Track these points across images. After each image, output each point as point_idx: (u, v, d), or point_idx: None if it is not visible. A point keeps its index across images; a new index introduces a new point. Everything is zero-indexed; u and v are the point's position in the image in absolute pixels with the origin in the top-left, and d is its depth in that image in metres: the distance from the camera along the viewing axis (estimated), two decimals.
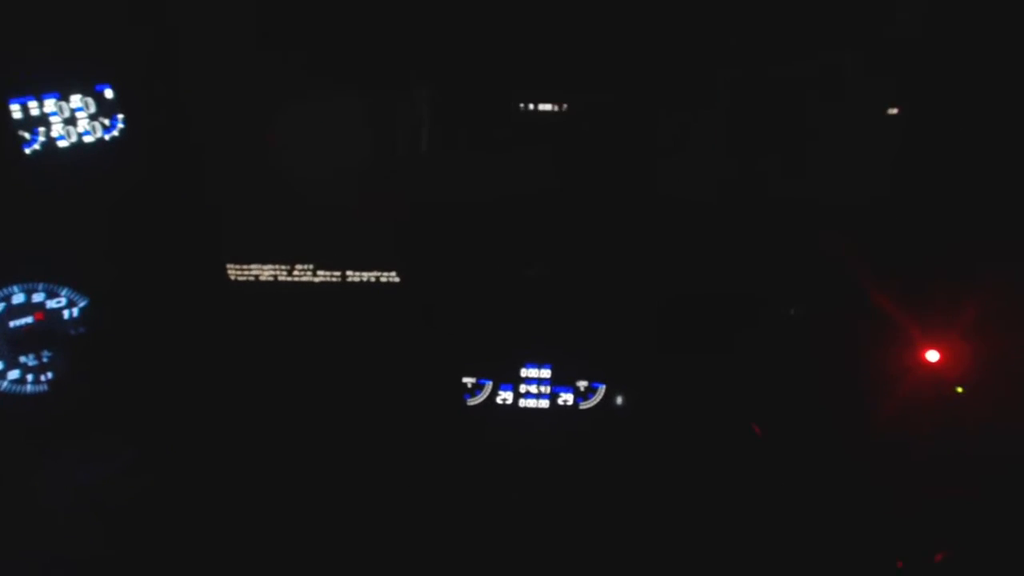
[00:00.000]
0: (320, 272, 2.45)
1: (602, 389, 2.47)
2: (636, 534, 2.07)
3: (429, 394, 2.45)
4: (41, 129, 2.14)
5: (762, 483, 2.20)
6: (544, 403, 2.49)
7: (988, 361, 2.30)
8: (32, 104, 2.11)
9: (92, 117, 2.23)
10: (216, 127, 2.34)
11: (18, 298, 2.23)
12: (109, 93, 2.24)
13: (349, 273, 2.45)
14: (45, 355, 2.28)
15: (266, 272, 2.44)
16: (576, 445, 2.44)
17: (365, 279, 2.46)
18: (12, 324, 2.22)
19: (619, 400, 2.46)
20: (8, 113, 2.08)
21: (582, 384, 2.47)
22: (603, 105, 2.44)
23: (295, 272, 2.45)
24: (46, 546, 1.97)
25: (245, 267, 2.43)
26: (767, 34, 2.33)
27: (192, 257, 2.40)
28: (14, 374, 2.25)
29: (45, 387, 2.29)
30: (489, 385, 2.48)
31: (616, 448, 2.40)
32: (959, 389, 2.37)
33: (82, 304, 2.33)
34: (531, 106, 2.45)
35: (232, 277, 2.43)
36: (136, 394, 2.31)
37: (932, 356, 2.35)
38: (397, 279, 2.47)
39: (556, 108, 2.46)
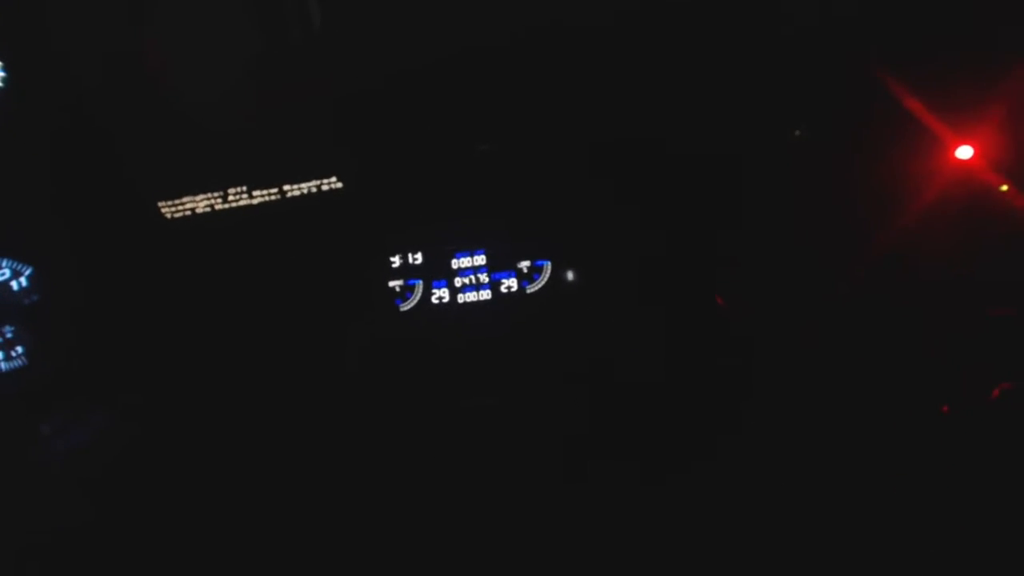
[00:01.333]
0: (256, 192, 2.22)
1: (548, 266, 2.11)
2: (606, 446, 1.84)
3: (359, 308, 2.22)
4: None
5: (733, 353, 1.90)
6: (485, 294, 2.15)
7: None
8: None
9: None
10: (95, 54, 2.07)
11: None
12: None
13: (287, 187, 2.21)
14: (8, 330, 2.23)
15: (200, 203, 2.23)
16: (528, 335, 2.10)
17: (298, 193, 2.20)
18: None
19: (569, 276, 2.13)
20: None
21: (524, 265, 2.12)
22: None
23: (230, 197, 2.23)
24: (40, 513, 1.99)
25: (177, 202, 2.23)
26: None
27: (120, 202, 2.22)
28: None
29: (20, 361, 2.26)
30: (419, 285, 2.17)
31: (574, 333, 2.07)
32: (1003, 187, 1.92)
33: (27, 272, 2.24)
34: None
35: (167, 215, 2.24)
36: (105, 353, 2.24)
37: (964, 152, 1.90)
38: (340, 184, 2.21)
39: None
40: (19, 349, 2.25)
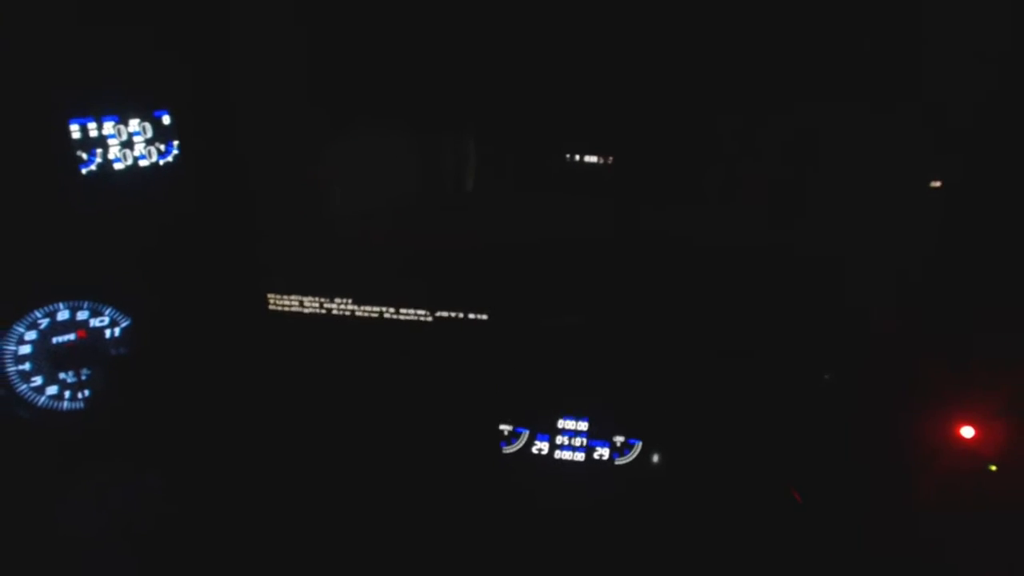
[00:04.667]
0: (360, 307, 2.34)
1: (638, 445, 2.32)
2: None
3: (466, 439, 2.33)
4: (99, 151, 2.08)
5: (796, 551, 2.05)
6: (580, 456, 2.31)
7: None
8: (91, 125, 2.05)
9: (148, 142, 2.16)
10: (266, 159, 2.25)
11: (63, 315, 2.14)
12: (166, 119, 2.17)
13: (386, 310, 2.35)
14: (84, 373, 2.18)
15: (306, 303, 2.33)
16: (610, 500, 2.26)
17: (402, 317, 2.35)
18: (55, 340, 2.14)
19: (656, 458, 2.33)
20: (68, 133, 2.02)
21: (619, 439, 2.31)
22: (644, 157, 2.35)
23: (334, 305, 2.34)
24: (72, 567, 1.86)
25: (286, 297, 2.33)
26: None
27: (234, 285, 2.31)
28: (52, 390, 2.15)
29: (81, 404, 2.20)
30: (526, 434, 2.33)
31: (651, 506, 2.24)
32: (992, 467, 2.22)
33: (124, 324, 2.24)
34: (576, 157, 2.37)
35: (273, 306, 2.33)
36: (170, 418, 2.20)
37: (967, 432, 2.21)
38: (431, 319, 2.36)
39: (600, 160, 2.37)
40: (85, 393, 2.19)
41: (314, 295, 2.33)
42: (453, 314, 2.35)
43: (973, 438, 2.16)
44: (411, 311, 2.35)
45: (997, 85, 2.07)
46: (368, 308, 2.34)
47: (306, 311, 2.33)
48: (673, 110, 2.27)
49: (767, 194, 2.27)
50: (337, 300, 2.33)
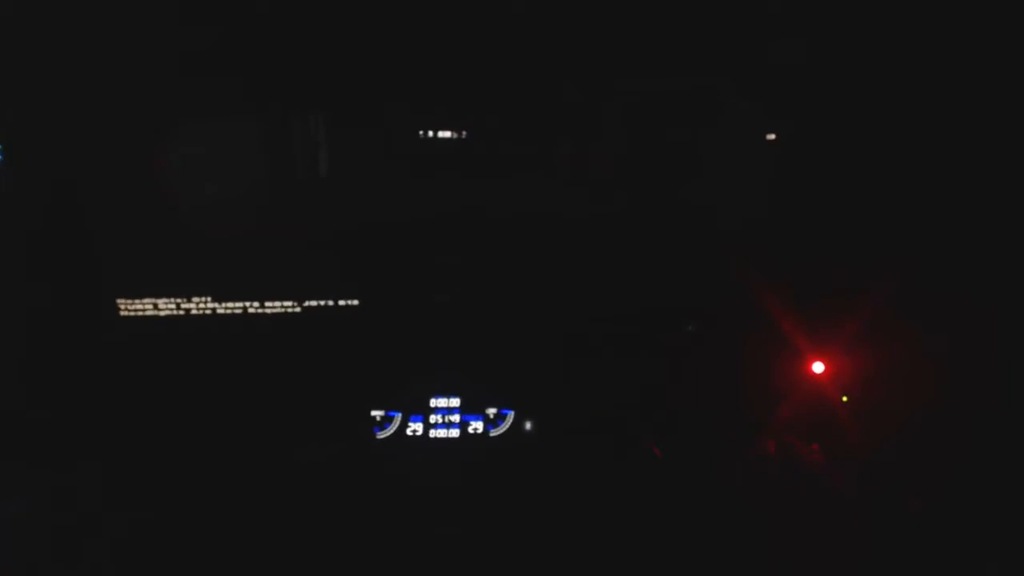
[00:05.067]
0: (221, 304, 2.25)
1: (511, 415, 2.36)
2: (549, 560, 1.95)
3: (337, 429, 2.29)
4: None
5: (663, 501, 2.12)
6: (455, 432, 2.35)
7: (870, 371, 2.32)
8: None
9: None
10: (100, 154, 2.10)
11: None
12: None
13: (249, 304, 2.26)
14: None
15: (161, 305, 2.22)
16: (489, 472, 2.29)
17: (267, 310, 2.27)
18: None
19: (528, 426, 2.36)
20: None
21: (491, 411, 2.35)
22: (501, 128, 2.36)
23: (192, 305, 2.23)
24: None
25: (137, 301, 2.20)
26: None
27: (78, 292, 2.16)
28: None
29: None
30: (399, 417, 2.32)
31: (528, 474, 2.26)
32: (844, 398, 2.36)
33: None
34: (430, 133, 2.34)
35: (124, 312, 2.20)
36: (38, 435, 2.07)
37: (818, 367, 2.35)
38: (299, 309, 2.30)
39: (455, 135, 2.36)
40: None
41: (168, 295, 2.21)
42: (323, 303, 2.30)
43: (824, 373, 2.29)
44: (277, 303, 2.28)
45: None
46: (230, 304, 2.25)
47: (162, 313, 2.22)
48: (523, 81, 2.28)
49: (613, 163, 2.32)
50: (195, 299, 2.23)
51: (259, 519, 2.02)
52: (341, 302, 2.32)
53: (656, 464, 2.24)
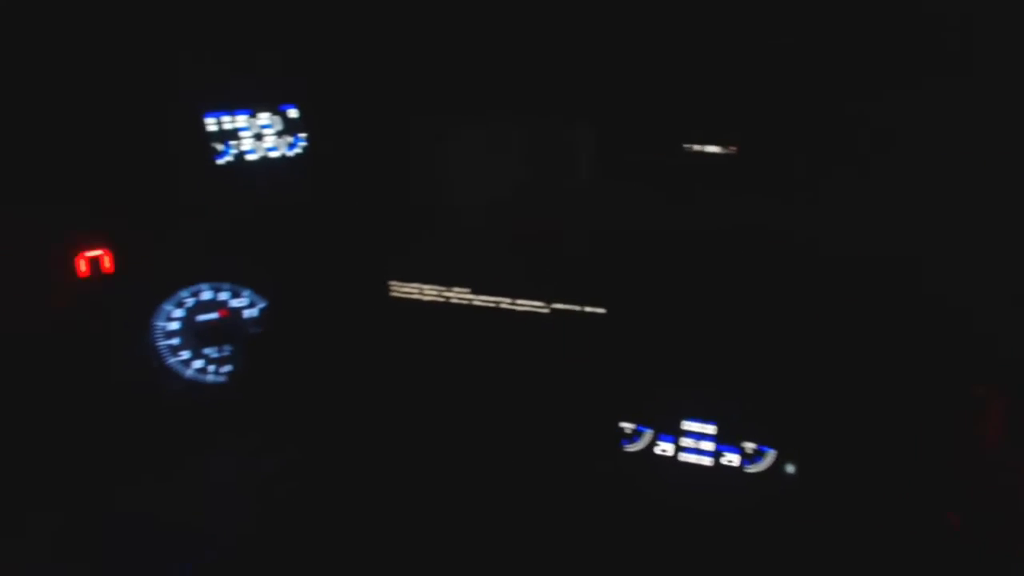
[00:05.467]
0: (478, 297, 2.28)
1: (771, 454, 2.10)
2: None
3: (584, 434, 2.23)
4: (232, 143, 2.15)
5: None
6: (707, 460, 2.13)
7: None
8: (226, 119, 2.13)
9: (278, 134, 2.21)
10: (389, 150, 2.23)
11: (206, 295, 2.29)
12: (294, 113, 2.20)
13: (503, 300, 2.27)
14: (226, 349, 2.34)
15: (426, 291, 2.32)
16: (737, 509, 2.05)
17: (517, 307, 2.26)
18: (199, 319, 2.29)
19: (790, 469, 2.07)
20: (203, 126, 2.11)
21: (750, 446, 2.11)
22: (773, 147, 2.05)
23: (453, 294, 2.30)
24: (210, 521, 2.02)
25: (407, 284, 2.32)
26: None
27: (358, 271, 2.34)
28: (198, 364, 2.33)
29: (224, 379, 2.36)
30: (649, 434, 2.21)
31: (781, 520, 2.00)
32: None
33: (261, 305, 2.36)
34: (696, 146, 2.12)
35: (394, 293, 2.34)
36: (298, 395, 2.31)
37: None
38: (547, 310, 2.25)
39: (723, 151, 2.10)
40: (226, 368, 2.36)
41: (434, 283, 2.30)
42: (570, 307, 2.23)
43: None
44: (528, 302, 2.25)
45: None
46: (485, 298, 2.28)
47: (425, 299, 2.32)
48: (805, 98, 1.95)
49: (902, 197, 1.89)
50: (456, 289, 2.29)
51: (496, 513, 2.05)
52: (588, 309, 2.23)
53: (950, 537, 1.83)
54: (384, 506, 2.11)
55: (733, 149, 2.06)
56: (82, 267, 2.15)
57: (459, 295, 2.29)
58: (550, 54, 2.04)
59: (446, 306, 2.31)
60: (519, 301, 2.26)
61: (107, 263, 2.16)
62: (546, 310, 2.26)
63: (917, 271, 1.95)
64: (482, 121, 2.15)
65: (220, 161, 2.16)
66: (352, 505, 2.12)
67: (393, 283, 2.33)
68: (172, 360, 2.29)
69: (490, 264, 2.25)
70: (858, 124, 1.95)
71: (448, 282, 2.29)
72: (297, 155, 2.24)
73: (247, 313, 2.35)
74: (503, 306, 2.27)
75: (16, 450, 2.03)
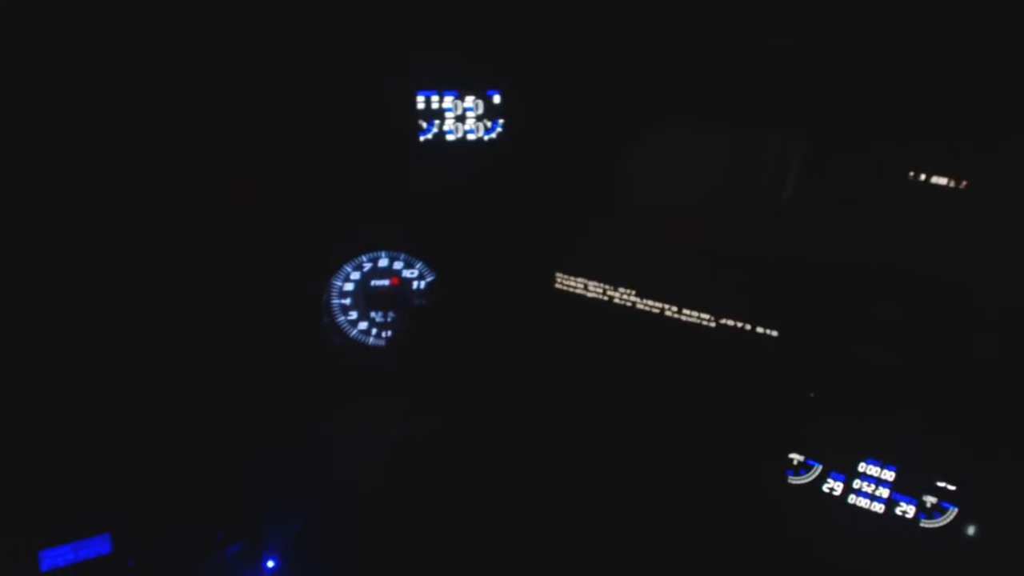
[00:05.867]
0: (643, 300, 2.23)
1: (953, 511, 1.82)
2: None
3: (749, 459, 2.07)
4: (436, 122, 2.31)
5: None
6: (878, 507, 1.90)
7: None
8: (434, 99, 2.29)
9: (478, 118, 2.35)
10: (579, 145, 2.30)
11: (383, 262, 2.41)
12: (497, 99, 2.34)
13: (667, 307, 2.20)
14: (391, 316, 2.42)
15: (591, 288, 2.30)
16: (906, 565, 1.82)
17: (682, 317, 2.18)
18: (373, 283, 2.40)
19: (971, 531, 1.78)
20: (414, 103, 2.28)
21: (930, 499, 1.87)
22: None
23: (617, 294, 2.26)
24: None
25: (572, 278, 2.32)
26: None
27: (528, 259, 2.37)
28: (363, 325, 2.42)
29: (382, 343, 2.43)
30: (818, 468, 2.01)
31: None
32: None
33: (429, 279, 2.44)
34: (921, 176, 1.99)
35: (559, 285, 2.34)
36: (448, 369, 2.32)
37: None
38: (713, 324, 2.15)
39: (953, 184, 1.95)
40: (387, 333, 2.43)
41: (599, 280, 2.28)
42: (739, 324, 2.12)
43: None
44: (694, 313, 2.17)
45: None
46: (650, 302, 2.22)
47: (589, 295, 2.30)
48: None
49: None
50: (621, 289, 2.26)
51: (637, 528, 1.91)
52: (759, 329, 2.11)
53: None
54: (504, 496, 2.04)
55: (963, 184, 1.92)
56: None
57: (623, 296, 2.26)
58: (767, 60, 2.04)
59: (608, 305, 2.27)
60: (685, 311, 2.19)
61: None
62: (712, 324, 2.16)
63: None
64: (684, 120, 2.17)
65: (422, 138, 2.32)
66: (473, 483, 2.06)
67: (559, 275, 2.33)
68: (341, 318, 2.39)
69: (662, 268, 2.21)
70: None
71: (614, 281, 2.26)
72: (492, 140, 2.36)
73: (416, 285, 2.43)
74: (668, 313, 2.21)
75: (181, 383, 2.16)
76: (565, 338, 2.32)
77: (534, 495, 2.04)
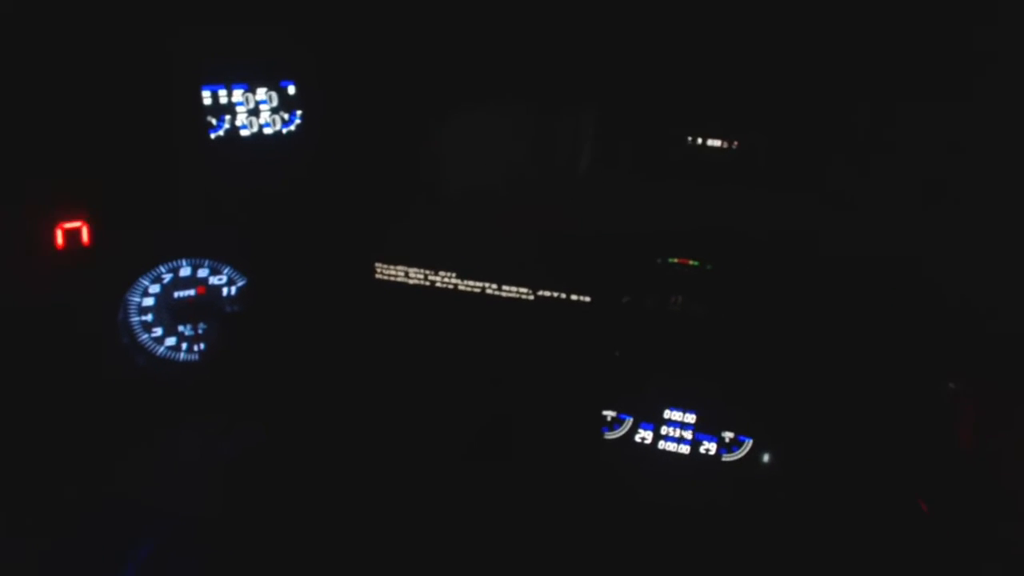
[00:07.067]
0: (463, 282, 2.27)
1: (748, 443, 2.08)
2: None
3: (566, 421, 2.18)
4: (227, 117, 2.15)
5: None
6: (685, 448, 2.11)
7: None
8: (222, 93, 2.13)
9: (273, 111, 2.22)
10: (382, 131, 2.26)
11: (185, 271, 2.23)
12: (292, 90, 2.23)
13: (488, 286, 2.26)
14: (201, 327, 2.25)
15: (411, 275, 2.29)
16: (713, 497, 2.04)
17: (503, 294, 2.25)
18: (176, 295, 2.22)
19: (766, 458, 2.05)
20: (200, 98, 2.11)
21: (728, 435, 2.09)
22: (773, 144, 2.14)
23: (438, 278, 2.28)
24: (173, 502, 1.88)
25: (392, 267, 2.30)
26: None
27: (343, 252, 2.31)
28: (171, 341, 2.23)
29: (196, 357, 2.26)
30: (629, 421, 2.16)
31: (755, 507, 1.98)
32: None
33: (240, 284, 2.30)
34: (699, 140, 2.19)
35: (379, 275, 2.31)
36: (272, 375, 2.22)
37: None
38: (532, 297, 2.25)
39: (725, 145, 2.18)
40: (200, 346, 2.26)
41: (419, 267, 2.28)
42: (555, 294, 2.23)
43: None
44: (513, 288, 2.25)
45: None
46: (471, 283, 2.26)
47: (411, 282, 2.30)
48: (811, 94, 2.05)
49: (894, 192, 1.99)
50: (441, 273, 2.28)
51: (471, 499, 1.96)
52: (574, 297, 2.23)
53: (921, 521, 1.82)
54: (348, 496, 2.01)
55: (735, 144, 2.13)
56: (59, 239, 2.07)
57: (444, 279, 2.28)
58: (558, 36, 2.11)
59: (431, 290, 2.29)
60: (505, 287, 2.25)
61: (85, 236, 2.10)
62: (531, 297, 2.25)
63: (905, 266, 2.01)
64: (482, 103, 2.20)
65: (213, 135, 2.15)
66: (315, 494, 2.01)
67: (379, 265, 2.30)
68: (144, 336, 2.19)
69: (478, 249, 2.25)
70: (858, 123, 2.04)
71: (434, 266, 2.27)
72: (290, 132, 2.24)
73: (225, 291, 2.28)
74: (488, 291, 2.26)
75: None
76: (391, 326, 2.30)
77: (377, 489, 2.02)
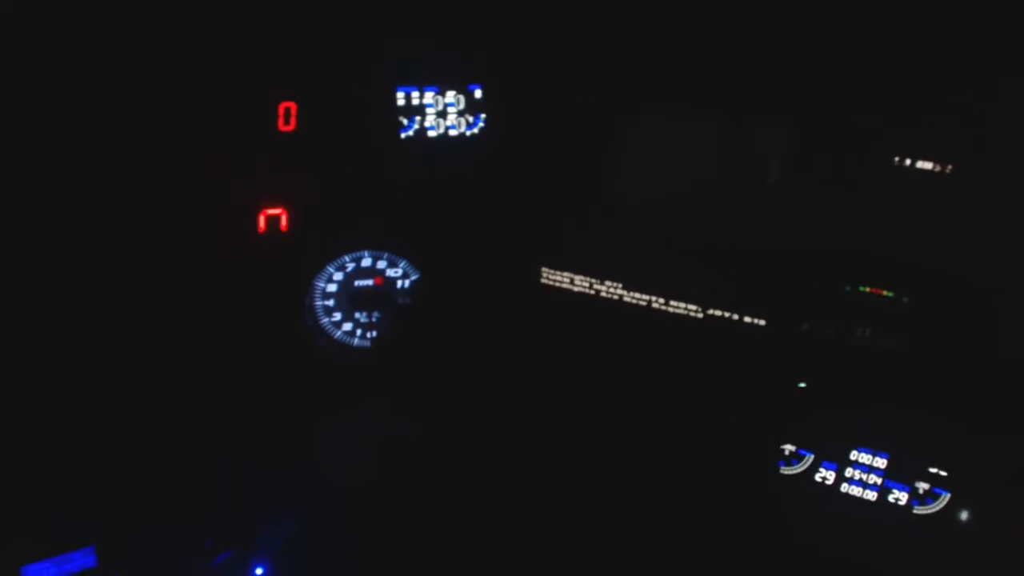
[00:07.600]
0: (629, 293, 2.20)
1: (946, 497, 1.81)
2: None
3: (741, 451, 2.05)
4: (417, 118, 2.26)
5: None
6: (871, 495, 1.91)
7: None
8: (414, 94, 2.24)
9: (460, 113, 2.30)
10: (563, 139, 2.27)
11: (366, 262, 2.35)
12: (479, 93, 2.29)
13: (655, 299, 2.17)
14: (375, 316, 2.37)
15: (577, 282, 2.27)
16: (900, 551, 1.81)
17: (670, 309, 2.15)
18: (356, 283, 2.35)
19: (964, 516, 1.78)
20: (394, 99, 2.23)
21: (922, 486, 1.86)
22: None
23: (603, 288, 2.23)
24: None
25: (558, 273, 2.29)
26: None
27: (512, 256, 2.33)
28: (347, 327, 2.36)
29: (367, 343, 2.38)
30: (810, 458, 2.00)
31: (949, 568, 1.72)
32: None
33: (414, 278, 2.39)
34: (906, 161, 1.97)
35: (544, 280, 2.31)
36: (438, 368, 2.28)
37: None
38: (700, 315, 2.12)
39: (938, 168, 1.93)
40: (373, 333, 2.38)
41: (585, 274, 2.25)
42: (727, 314, 2.09)
43: None
44: (681, 304, 2.14)
45: None
46: (637, 295, 2.19)
47: (575, 289, 2.27)
48: None
49: None
50: (607, 283, 2.23)
51: (629, 520, 1.88)
52: (747, 319, 2.08)
53: None
54: (497, 495, 2.01)
55: (948, 168, 1.90)
56: (261, 224, 2.27)
57: (610, 289, 2.22)
58: (750, 48, 2.01)
59: (594, 299, 2.24)
60: (672, 303, 2.16)
61: (284, 222, 2.28)
62: (700, 315, 2.13)
63: None
64: (668, 113, 2.14)
65: (403, 135, 2.27)
66: (465, 484, 2.03)
67: (545, 270, 2.30)
68: (324, 320, 2.34)
69: (648, 261, 2.18)
70: None
71: (600, 275, 2.23)
72: (474, 135, 2.31)
73: (400, 284, 2.39)
74: (655, 306, 2.18)
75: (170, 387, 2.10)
76: (552, 333, 2.29)
77: (528, 493, 2.01)
